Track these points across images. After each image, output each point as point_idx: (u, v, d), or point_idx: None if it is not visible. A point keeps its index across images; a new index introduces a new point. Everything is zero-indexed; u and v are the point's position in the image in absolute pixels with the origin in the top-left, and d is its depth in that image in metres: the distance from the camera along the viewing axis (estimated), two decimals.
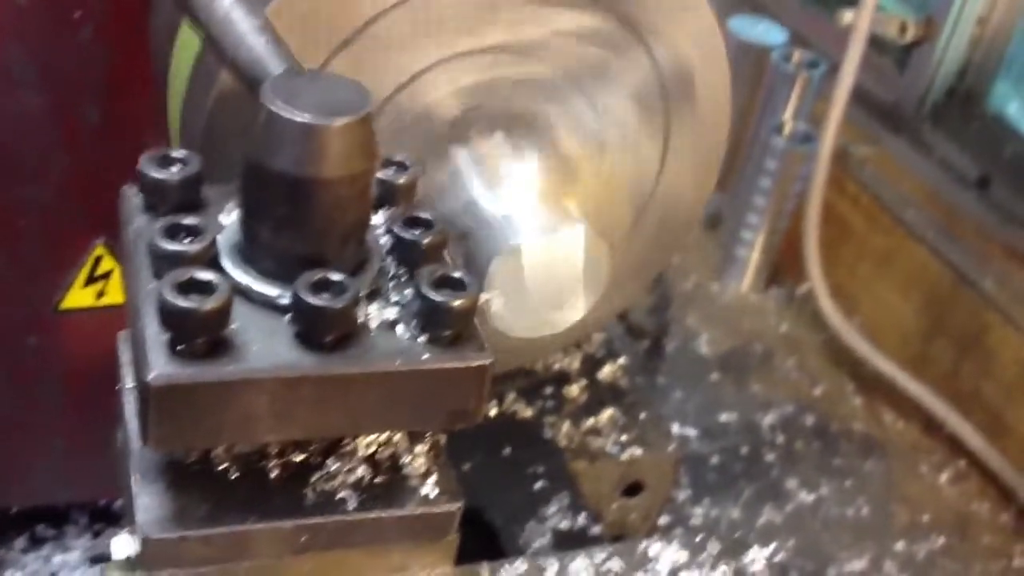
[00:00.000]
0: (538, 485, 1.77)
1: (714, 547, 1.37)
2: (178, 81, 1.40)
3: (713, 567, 1.36)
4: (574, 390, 1.87)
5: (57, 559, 2.12)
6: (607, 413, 1.85)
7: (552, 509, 1.76)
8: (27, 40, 1.58)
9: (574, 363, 1.90)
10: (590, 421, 1.83)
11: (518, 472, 1.77)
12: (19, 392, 1.87)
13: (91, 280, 1.76)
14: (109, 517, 2.14)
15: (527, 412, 1.82)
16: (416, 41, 1.38)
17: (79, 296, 1.77)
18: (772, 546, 1.38)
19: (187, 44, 1.36)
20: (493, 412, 1.79)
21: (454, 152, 1.43)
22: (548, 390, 1.86)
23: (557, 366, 1.89)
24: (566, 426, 1.82)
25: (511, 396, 1.82)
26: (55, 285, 1.77)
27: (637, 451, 1.81)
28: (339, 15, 1.32)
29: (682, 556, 1.35)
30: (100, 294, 1.78)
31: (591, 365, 1.91)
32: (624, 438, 1.82)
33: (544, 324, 1.43)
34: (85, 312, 1.80)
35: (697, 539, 1.37)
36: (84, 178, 1.68)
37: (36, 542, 2.15)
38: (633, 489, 1.85)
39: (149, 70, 1.53)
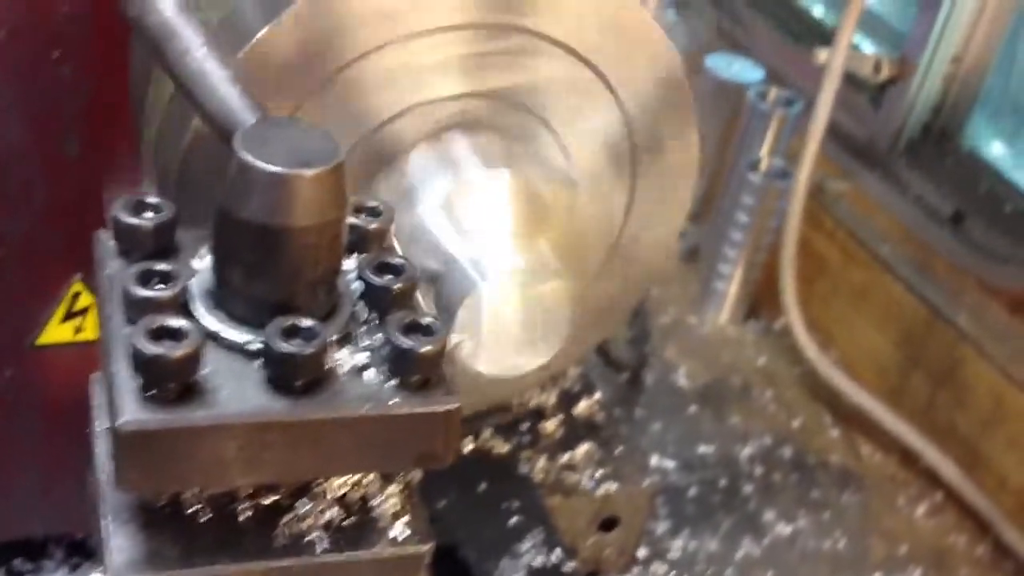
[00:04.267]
0: (513, 521, 1.77)
1: None
2: (154, 119, 1.41)
3: None
4: (550, 425, 1.88)
5: None
6: (583, 448, 1.85)
7: (527, 545, 1.77)
8: (6, 74, 1.59)
9: (550, 399, 1.91)
10: (566, 456, 1.84)
11: (493, 508, 1.78)
12: None
13: (69, 316, 1.76)
14: (86, 551, 2.13)
15: (503, 448, 1.82)
16: (387, 88, 1.40)
17: (57, 331, 1.78)
18: None
19: (162, 83, 1.38)
20: (468, 448, 1.80)
21: (425, 196, 1.44)
22: (524, 426, 1.87)
23: (533, 402, 1.90)
24: (542, 461, 1.82)
25: (487, 432, 1.83)
26: (33, 320, 1.77)
27: (612, 486, 1.82)
28: (311, 61, 1.33)
29: None
30: (78, 330, 1.78)
31: (567, 400, 1.92)
32: (600, 473, 1.83)
33: (513, 365, 1.44)
34: (63, 347, 1.80)
35: (671, 575, 1.39)
36: (63, 213, 1.68)
37: (13, 575, 2.15)
38: (609, 524, 1.85)
39: (127, 110, 1.55)
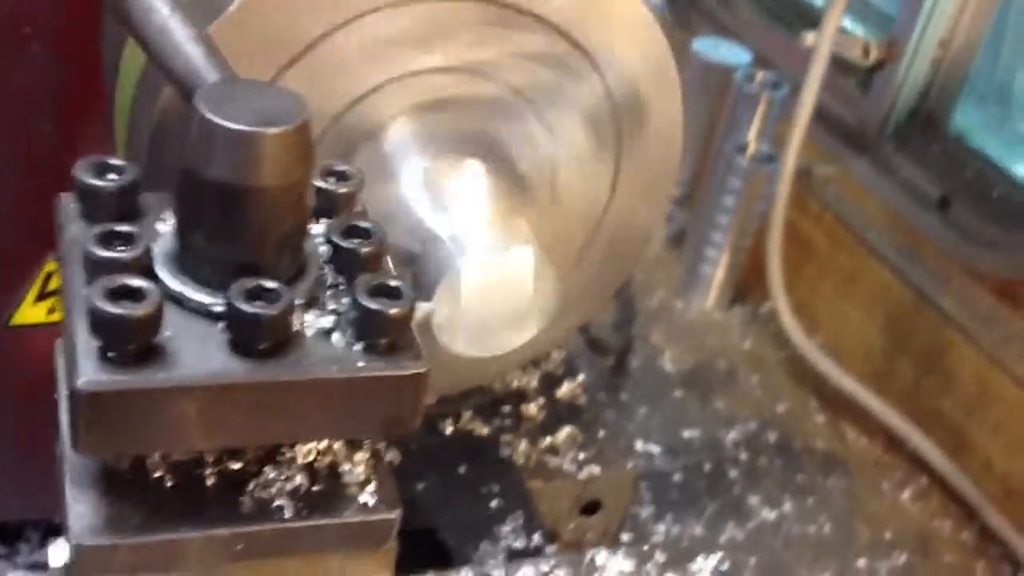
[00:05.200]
0: (493, 504, 1.76)
1: (661, 556, 1.37)
2: (125, 94, 1.40)
3: None
4: (532, 408, 1.86)
5: None
6: (565, 431, 1.84)
7: (507, 528, 1.75)
8: None
9: (532, 381, 1.90)
10: (548, 439, 1.83)
11: (473, 491, 1.76)
12: None
13: (42, 296, 1.75)
14: (62, 534, 2.11)
15: (484, 430, 1.81)
16: (365, 60, 1.38)
17: (30, 312, 1.76)
18: (718, 555, 1.38)
19: (134, 57, 1.36)
20: (449, 430, 1.78)
21: (403, 172, 1.42)
22: (506, 408, 1.85)
23: (515, 384, 1.88)
24: (523, 444, 1.81)
25: (468, 414, 1.81)
26: (5, 300, 1.76)
27: (595, 469, 1.80)
28: (287, 34, 1.32)
29: (628, 565, 1.35)
30: (51, 310, 1.77)
31: (549, 383, 1.91)
32: (582, 456, 1.82)
33: (493, 344, 1.42)
34: (36, 328, 1.78)
35: (644, 548, 1.38)
36: (35, 193, 1.66)
37: None
38: (591, 507, 1.84)
39: (101, 84, 1.53)
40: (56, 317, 1.77)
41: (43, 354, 1.77)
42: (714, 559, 1.37)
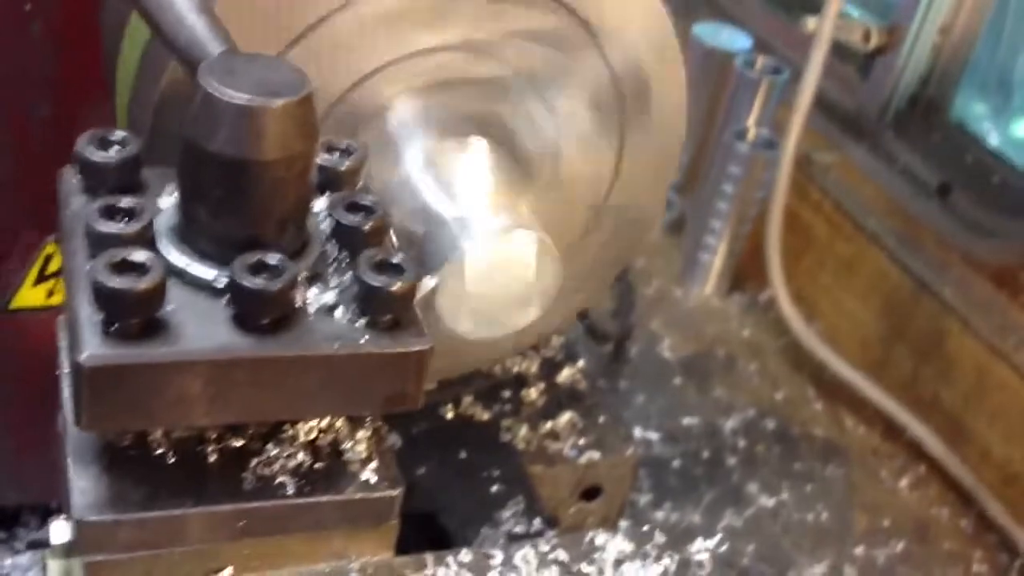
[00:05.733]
0: (494, 489, 1.75)
1: (660, 538, 1.37)
2: (126, 74, 1.39)
3: (658, 558, 1.36)
4: (532, 393, 1.85)
5: (7, 562, 2.09)
6: (565, 416, 1.83)
7: (508, 513, 1.75)
8: None
9: (532, 366, 1.89)
10: (548, 424, 1.82)
11: (474, 476, 1.76)
12: None
13: (41, 279, 1.74)
14: (64, 512, 2.11)
15: (484, 415, 1.80)
16: (369, 39, 1.37)
17: (29, 295, 1.75)
18: (717, 537, 1.38)
19: (136, 36, 1.35)
20: (450, 415, 1.77)
21: (406, 153, 1.42)
22: (506, 393, 1.84)
23: (516, 369, 1.87)
24: (524, 429, 1.80)
25: (468, 399, 1.80)
26: (4, 284, 1.75)
27: (595, 455, 1.80)
28: (289, 12, 1.31)
29: (627, 547, 1.35)
30: (50, 293, 1.76)
31: (550, 368, 1.90)
32: (582, 442, 1.81)
33: (496, 326, 1.41)
34: (35, 312, 1.77)
35: (643, 529, 1.37)
36: (34, 176, 1.65)
37: None
38: (591, 493, 1.83)
39: (100, 66, 1.52)
40: (55, 300, 1.76)
41: (42, 338, 1.76)
42: (712, 542, 1.37)
